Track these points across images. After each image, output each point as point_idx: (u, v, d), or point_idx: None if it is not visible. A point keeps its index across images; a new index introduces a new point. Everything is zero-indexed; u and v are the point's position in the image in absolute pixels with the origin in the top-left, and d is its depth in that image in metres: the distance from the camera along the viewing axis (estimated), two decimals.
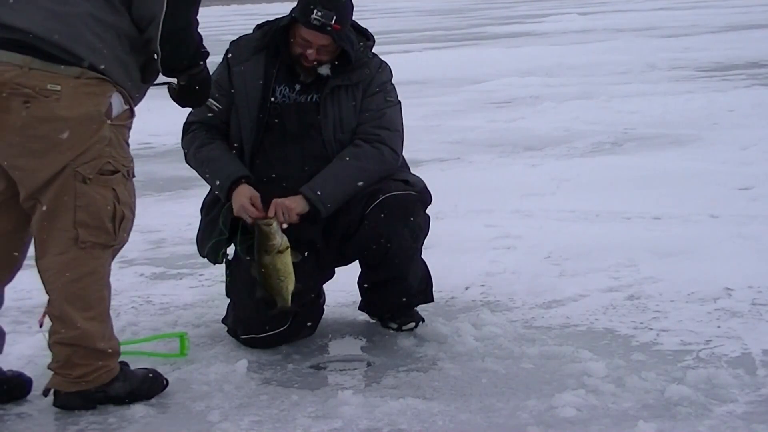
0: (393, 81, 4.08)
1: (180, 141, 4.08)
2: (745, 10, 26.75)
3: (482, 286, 4.72)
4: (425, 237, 4.03)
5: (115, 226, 3.32)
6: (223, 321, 4.14)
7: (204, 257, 4.12)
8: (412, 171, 4.14)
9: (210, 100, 3.63)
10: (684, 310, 4.26)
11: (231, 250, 4.08)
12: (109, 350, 3.41)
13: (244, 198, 3.82)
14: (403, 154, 4.08)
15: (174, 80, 3.45)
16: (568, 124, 9.71)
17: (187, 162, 4.06)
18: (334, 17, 3.76)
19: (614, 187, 6.73)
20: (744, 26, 21.48)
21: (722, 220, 5.76)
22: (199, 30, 3.38)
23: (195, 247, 4.17)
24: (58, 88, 3.16)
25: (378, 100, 3.98)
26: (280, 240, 3.69)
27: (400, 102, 4.07)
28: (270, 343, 3.96)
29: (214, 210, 4.04)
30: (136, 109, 3.46)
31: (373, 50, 4.08)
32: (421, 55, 18.20)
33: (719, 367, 3.61)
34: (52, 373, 3.41)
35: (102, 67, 3.21)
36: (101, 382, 3.41)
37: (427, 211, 4.00)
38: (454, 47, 20.43)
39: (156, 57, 3.31)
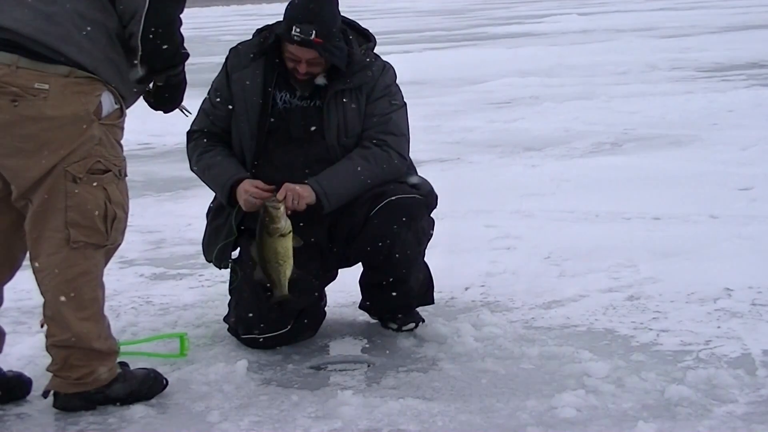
0: (397, 82, 4.08)
1: (185, 148, 4.08)
2: (745, 10, 26.76)
3: (482, 286, 4.72)
4: (429, 240, 4.03)
5: (107, 225, 3.31)
6: (225, 320, 4.15)
7: (210, 262, 4.13)
8: None
9: (182, 105, 3.63)
10: (684, 311, 4.26)
11: (236, 252, 4.08)
12: (107, 350, 3.41)
13: (249, 186, 3.81)
14: None
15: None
16: (568, 124, 9.71)
17: (193, 171, 4.07)
18: (314, 31, 3.75)
19: (614, 188, 6.73)
20: (744, 26, 21.49)
21: (722, 220, 5.76)
22: (181, 30, 3.36)
23: (195, 247, 4.19)
24: (46, 86, 3.15)
25: (383, 105, 3.97)
26: (285, 224, 3.68)
27: (405, 104, 4.06)
28: (271, 344, 3.96)
29: (220, 216, 4.05)
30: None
31: (374, 51, 4.08)
32: (421, 56, 18.20)
33: (719, 368, 3.61)
34: (52, 374, 3.41)
35: (91, 66, 3.20)
36: (101, 384, 3.41)
37: (431, 215, 4.00)
38: (454, 47, 20.43)
39: (136, 56, 3.28)
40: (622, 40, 19.20)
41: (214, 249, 4.05)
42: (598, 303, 4.42)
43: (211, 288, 4.87)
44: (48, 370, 3.42)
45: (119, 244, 3.44)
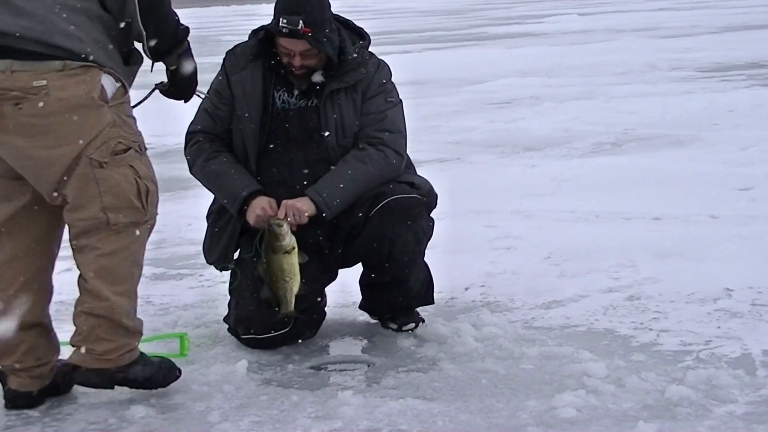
0: (393, 80, 4.08)
1: (183, 149, 4.07)
2: (745, 10, 26.76)
3: (482, 286, 4.72)
4: (429, 240, 4.03)
5: (142, 201, 3.35)
6: (225, 320, 4.15)
7: (211, 264, 4.13)
8: None
9: (198, 89, 3.65)
10: (684, 311, 4.26)
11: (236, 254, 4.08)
12: (133, 329, 3.45)
13: (259, 207, 3.83)
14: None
15: (160, 82, 3.51)
16: (568, 124, 9.71)
17: (193, 174, 4.06)
18: (301, 21, 3.76)
19: (614, 188, 6.73)
20: (744, 27, 21.49)
21: (722, 220, 5.76)
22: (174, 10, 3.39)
23: (195, 247, 4.19)
24: (44, 83, 3.16)
25: (378, 102, 3.97)
26: (289, 240, 3.71)
27: (401, 101, 4.06)
28: (271, 344, 3.96)
29: (221, 219, 4.04)
30: (135, 110, 3.46)
31: (370, 50, 4.08)
32: (421, 56, 18.20)
33: (719, 368, 3.61)
34: (75, 348, 3.42)
35: (81, 50, 3.21)
36: (123, 363, 3.44)
37: (431, 215, 4.00)
38: (454, 47, 20.44)
39: (142, 42, 3.31)
40: (622, 41, 19.20)
41: (216, 252, 4.06)
42: (598, 303, 4.42)
43: (211, 288, 4.87)
44: (71, 342, 3.43)
45: (156, 218, 3.46)
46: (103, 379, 3.44)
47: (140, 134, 3.42)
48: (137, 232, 3.38)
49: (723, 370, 3.58)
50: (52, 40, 3.17)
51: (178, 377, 3.58)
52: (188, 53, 3.48)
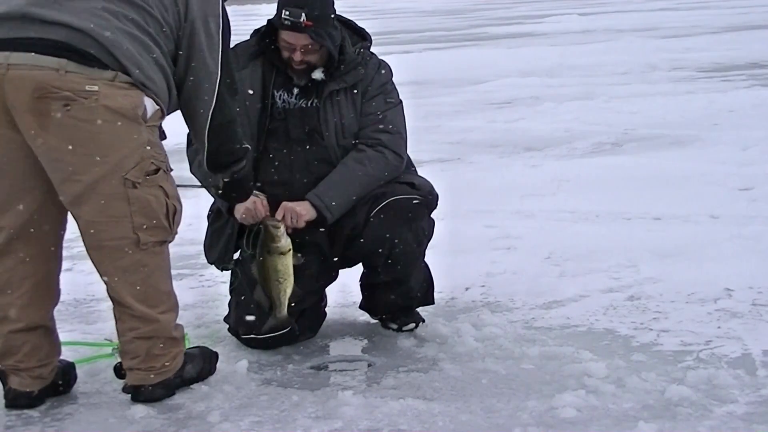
0: (393, 80, 4.08)
1: (186, 149, 4.08)
2: (746, 10, 26.75)
3: (482, 286, 4.72)
4: (429, 241, 4.03)
5: (170, 220, 3.40)
6: (225, 320, 4.15)
7: (211, 263, 4.14)
8: None
9: (255, 192, 3.75)
10: (684, 311, 4.26)
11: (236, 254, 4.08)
12: (179, 336, 3.55)
13: (250, 201, 3.82)
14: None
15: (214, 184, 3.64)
16: (569, 124, 9.71)
17: (192, 173, 4.06)
18: (303, 14, 3.77)
19: (614, 188, 6.73)
20: (744, 27, 21.49)
21: (722, 220, 5.76)
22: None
23: (195, 247, 4.19)
24: (96, 88, 3.15)
25: (378, 103, 3.97)
26: (284, 242, 3.71)
27: (401, 102, 4.06)
28: (271, 344, 3.96)
29: (221, 218, 4.05)
30: None
31: (372, 50, 4.08)
32: (421, 56, 18.20)
33: (719, 368, 3.61)
34: (130, 370, 3.48)
35: (134, 73, 3.20)
36: (177, 367, 3.53)
37: (432, 215, 4.00)
38: (454, 47, 20.43)
39: (201, 150, 3.43)
40: (622, 41, 19.20)
41: (216, 251, 4.06)
42: (599, 303, 4.42)
43: (211, 288, 4.87)
44: (126, 366, 3.48)
45: (176, 235, 3.51)
46: (166, 390, 3.52)
47: (167, 155, 3.45)
48: (164, 250, 3.44)
49: (723, 370, 3.58)
50: (113, 51, 3.17)
51: (218, 359, 3.73)
52: (243, 171, 3.56)
